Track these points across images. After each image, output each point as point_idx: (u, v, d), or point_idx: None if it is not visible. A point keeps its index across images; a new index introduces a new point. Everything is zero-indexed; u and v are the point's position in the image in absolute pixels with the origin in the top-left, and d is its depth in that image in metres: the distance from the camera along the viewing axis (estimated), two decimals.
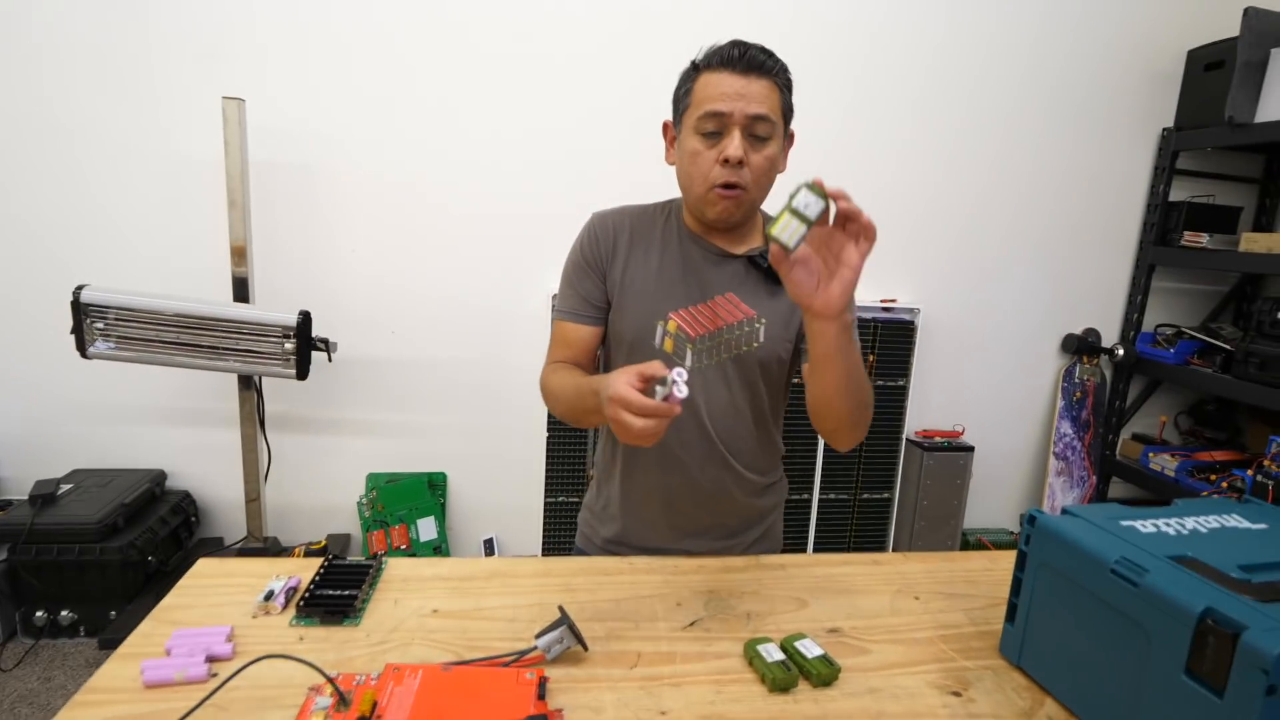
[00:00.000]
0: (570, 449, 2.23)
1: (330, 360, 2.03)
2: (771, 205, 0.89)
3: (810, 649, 0.74)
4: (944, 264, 2.42)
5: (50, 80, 1.94)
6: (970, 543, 2.52)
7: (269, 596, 0.79)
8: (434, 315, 2.21)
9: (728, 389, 1.00)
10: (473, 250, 2.18)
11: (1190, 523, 0.72)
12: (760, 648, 0.74)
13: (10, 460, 2.12)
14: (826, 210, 0.73)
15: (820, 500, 2.38)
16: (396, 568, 0.90)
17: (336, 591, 0.81)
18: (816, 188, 0.71)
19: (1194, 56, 2.33)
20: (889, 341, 2.33)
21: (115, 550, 1.88)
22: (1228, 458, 2.42)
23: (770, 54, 0.91)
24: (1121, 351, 2.48)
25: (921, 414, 2.48)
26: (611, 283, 1.01)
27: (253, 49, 1.99)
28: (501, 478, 2.33)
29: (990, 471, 2.56)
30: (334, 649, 0.73)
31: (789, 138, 0.97)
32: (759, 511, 1.09)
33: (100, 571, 1.89)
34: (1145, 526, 0.70)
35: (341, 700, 0.63)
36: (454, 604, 0.82)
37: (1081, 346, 2.53)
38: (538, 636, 0.72)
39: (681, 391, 0.72)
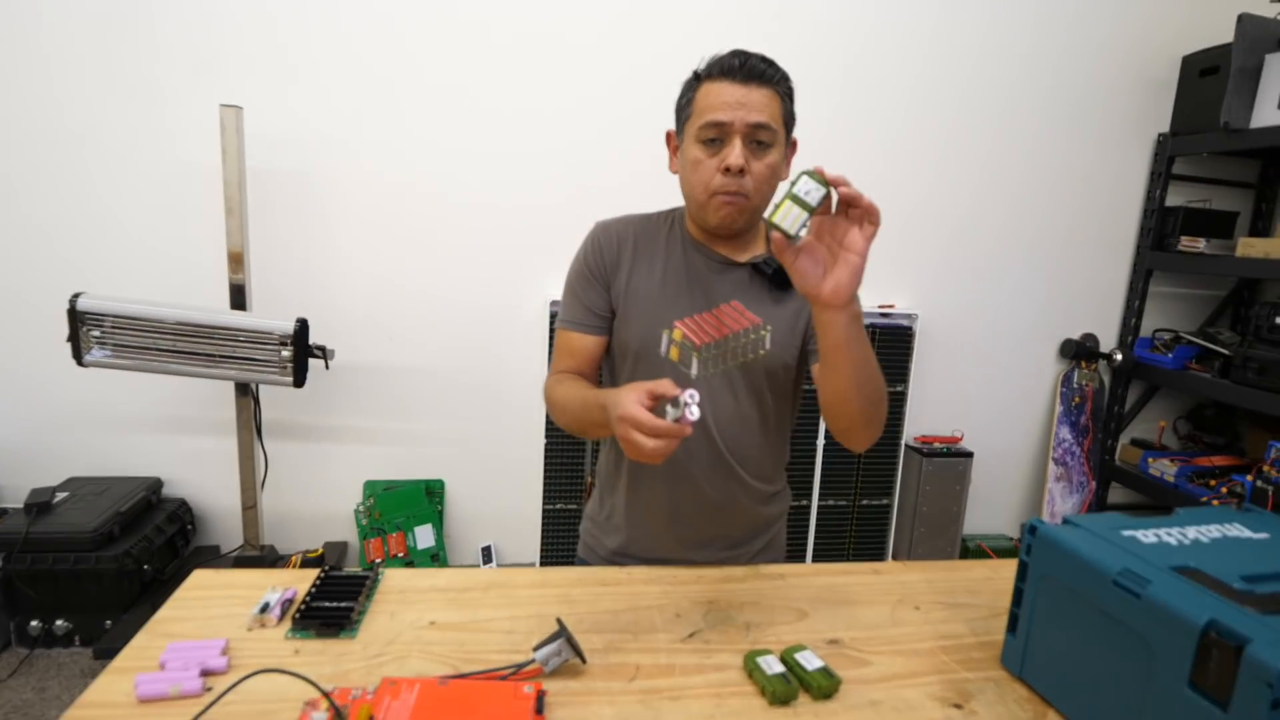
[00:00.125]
0: (568, 456, 2.23)
1: (328, 367, 2.03)
2: None
3: (810, 661, 0.73)
4: (942, 269, 2.43)
5: (48, 88, 1.94)
6: (970, 549, 2.51)
7: (265, 609, 0.78)
8: (431, 322, 2.20)
9: (734, 397, 0.99)
10: (470, 257, 2.18)
11: (1192, 532, 0.71)
12: (760, 660, 0.73)
13: (5, 468, 2.11)
14: (828, 198, 0.72)
15: (819, 507, 2.37)
16: (393, 579, 0.89)
17: (333, 603, 0.80)
18: (817, 175, 0.71)
19: (1188, 62, 2.34)
20: (887, 347, 2.33)
21: (111, 559, 1.87)
22: (1227, 463, 2.42)
23: (771, 63, 0.91)
24: (1120, 356, 2.48)
25: (920, 420, 2.48)
26: (616, 292, 1.01)
27: (250, 57, 1.99)
28: (499, 485, 2.32)
29: (990, 477, 2.56)
30: (330, 662, 0.72)
31: (791, 145, 0.97)
32: (765, 520, 1.09)
33: (96, 580, 1.87)
34: (1147, 537, 0.70)
35: (337, 715, 0.62)
36: (451, 616, 0.82)
37: (1080, 351, 2.54)
38: (535, 649, 0.71)
39: (694, 414, 0.71)
